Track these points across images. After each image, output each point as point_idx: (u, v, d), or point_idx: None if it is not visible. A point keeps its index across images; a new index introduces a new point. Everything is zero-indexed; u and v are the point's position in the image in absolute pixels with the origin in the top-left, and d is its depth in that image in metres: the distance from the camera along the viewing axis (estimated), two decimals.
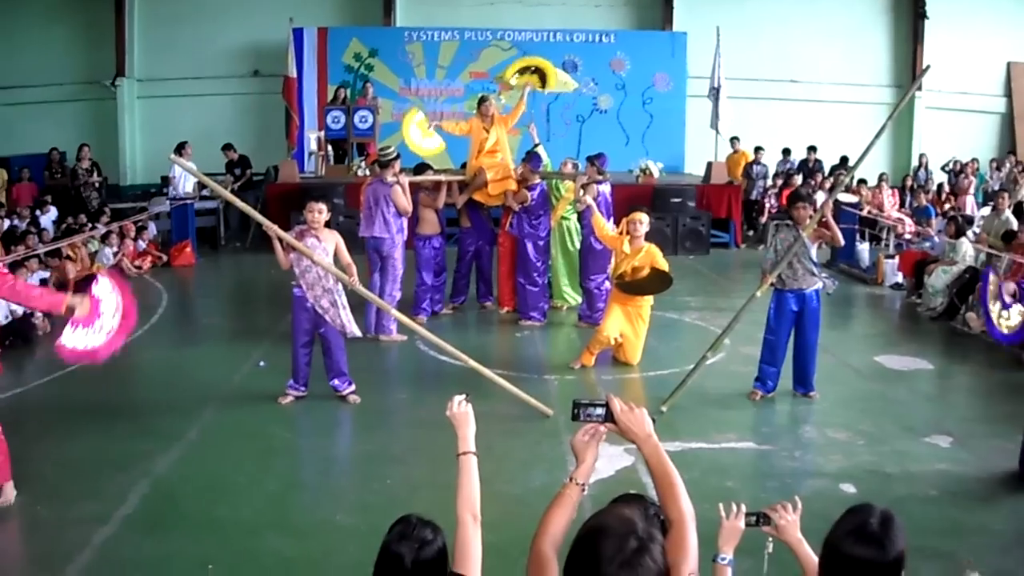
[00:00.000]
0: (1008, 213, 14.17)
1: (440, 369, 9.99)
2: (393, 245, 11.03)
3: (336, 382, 8.80)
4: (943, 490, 6.90)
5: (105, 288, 6.56)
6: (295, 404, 8.73)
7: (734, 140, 21.16)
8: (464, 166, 12.92)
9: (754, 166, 21.22)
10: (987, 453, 7.66)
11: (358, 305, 9.53)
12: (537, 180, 12.10)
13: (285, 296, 9.13)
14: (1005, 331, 8.05)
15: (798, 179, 20.13)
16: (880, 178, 20.73)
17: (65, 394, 9.19)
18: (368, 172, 15.22)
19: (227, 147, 20.06)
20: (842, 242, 9.27)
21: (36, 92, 22.45)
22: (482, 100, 12.58)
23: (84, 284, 13.20)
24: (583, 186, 11.46)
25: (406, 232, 11.35)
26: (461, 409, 3.48)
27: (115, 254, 15.42)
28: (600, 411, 2.99)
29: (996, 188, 18.34)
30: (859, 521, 2.96)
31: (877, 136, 8.38)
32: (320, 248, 8.40)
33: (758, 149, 21.38)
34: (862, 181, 19.97)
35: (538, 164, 12.23)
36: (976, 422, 8.62)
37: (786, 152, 22.35)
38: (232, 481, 6.96)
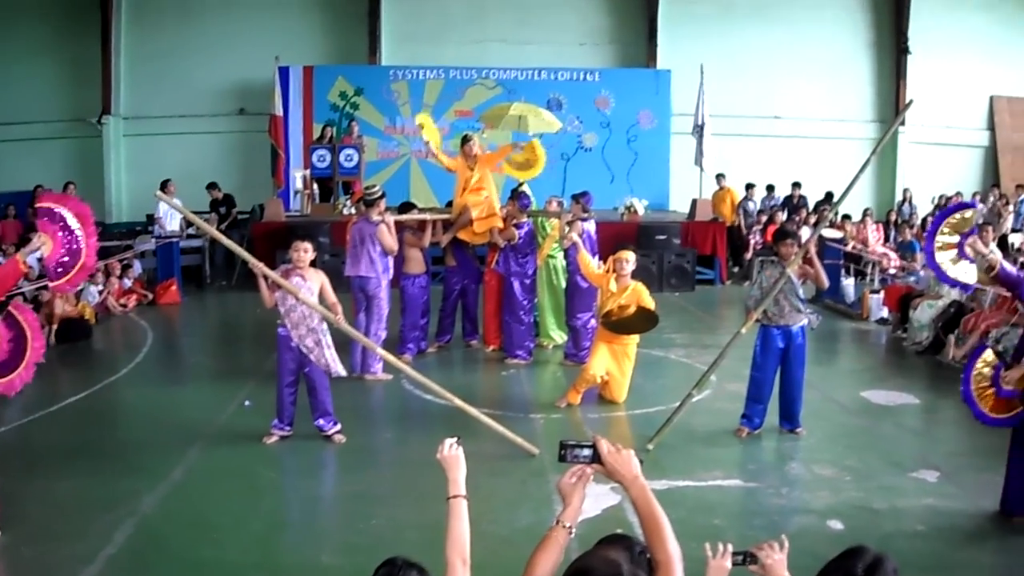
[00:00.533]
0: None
1: (426, 408, 9.95)
2: (379, 284, 11.01)
3: (321, 422, 8.75)
4: (931, 525, 6.89)
5: (49, 213, 6.55)
6: (280, 444, 8.68)
7: (720, 177, 21.28)
8: (449, 204, 12.94)
9: (748, 202, 21.34)
10: (974, 487, 7.65)
11: (343, 344, 9.50)
12: (524, 219, 12.14)
13: (270, 335, 9.09)
14: (939, 263, 7.78)
15: (782, 215, 20.22)
16: (864, 213, 20.83)
17: (50, 433, 9.15)
18: (354, 211, 15.23)
19: (211, 186, 20.09)
20: (826, 284, 9.32)
21: (22, 129, 22.47)
22: (465, 139, 12.58)
23: (72, 325, 13.27)
24: (568, 223, 11.49)
25: (392, 271, 11.34)
26: (452, 452, 3.46)
27: (100, 292, 15.38)
28: (587, 452, 2.99)
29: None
30: (847, 564, 2.96)
31: (860, 171, 8.43)
32: (305, 287, 8.39)
33: (749, 186, 21.52)
34: (846, 216, 20.08)
35: (527, 203, 12.26)
36: (963, 456, 8.62)
37: (770, 188, 22.46)
38: (217, 521, 6.92)
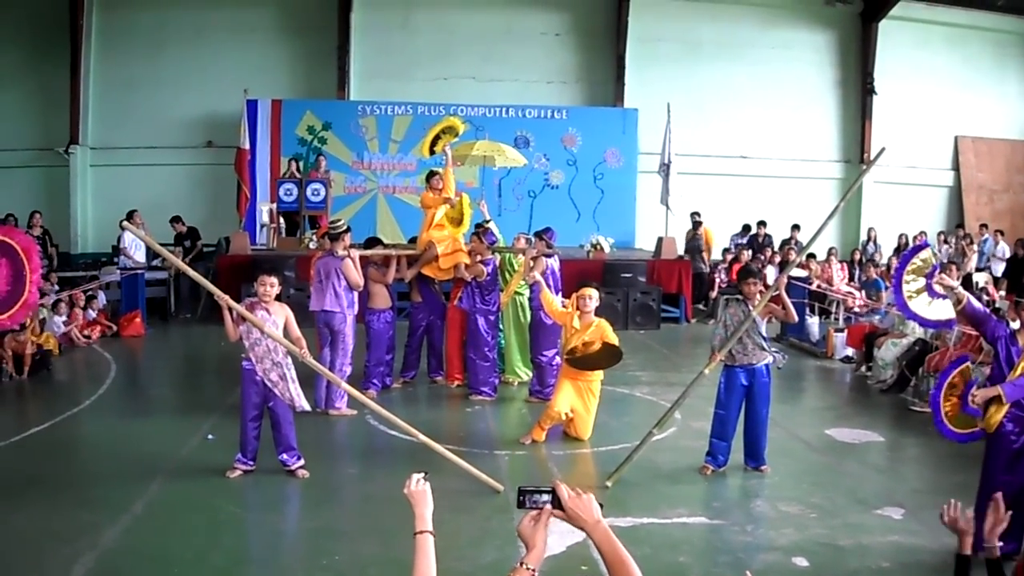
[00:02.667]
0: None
1: (390, 444, 9.88)
2: (344, 319, 10.98)
3: (285, 456, 8.69)
4: (896, 562, 6.90)
5: None
6: (243, 478, 8.59)
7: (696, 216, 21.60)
8: (413, 240, 12.93)
9: (700, 241, 21.42)
10: (939, 524, 7.55)
11: (308, 379, 9.46)
12: (490, 255, 12.14)
13: (234, 369, 9.04)
14: (915, 311, 7.82)
15: (747, 254, 20.33)
16: (829, 252, 21.01)
17: (10, 465, 9.02)
18: (318, 245, 15.21)
19: (175, 220, 19.93)
20: (796, 318, 9.34)
21: None
22: (431, 175, 12.64)
23: (36, 359, 13.12)
24: (532, 259, 11.49)
25: (357, 306, 11.31)
26: (419, 487, 3.42)
27: (64, 323, 15.27)
28: (546, 498, 2.95)
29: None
30: None
31: (829, 217, 8.51)
32: (270, 321, 8.34)
33: (697, 224, 21.60)
34: (811, 255, 20.17)
35: (493, 239, 12.26)
36: (927, 493, 8.62)
37: (746, 228, 22.67)
38: (178, 555, 6.82)
